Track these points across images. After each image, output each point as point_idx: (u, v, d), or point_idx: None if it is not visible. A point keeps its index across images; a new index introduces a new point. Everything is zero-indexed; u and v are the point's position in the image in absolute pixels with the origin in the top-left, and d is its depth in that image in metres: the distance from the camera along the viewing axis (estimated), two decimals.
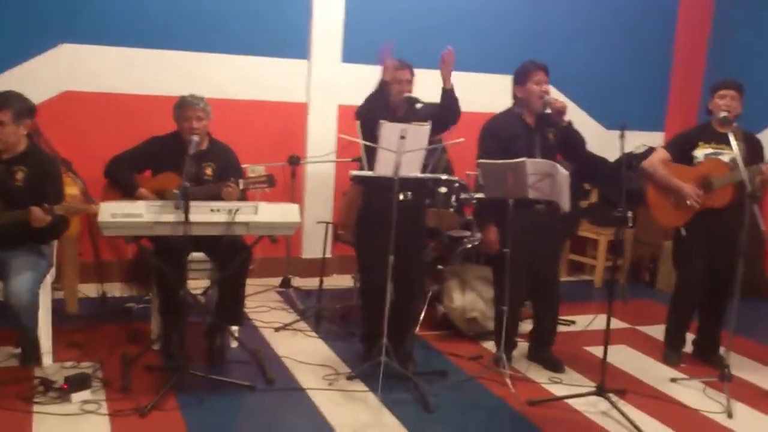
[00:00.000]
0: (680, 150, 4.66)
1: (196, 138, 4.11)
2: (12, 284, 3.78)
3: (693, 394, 4.23)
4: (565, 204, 4.05)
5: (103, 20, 5.43)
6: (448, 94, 4.15)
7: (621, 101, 7.04)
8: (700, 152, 4.59)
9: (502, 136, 4.32)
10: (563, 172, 3.95)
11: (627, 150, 4.20)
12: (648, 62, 7.34)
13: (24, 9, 5.21)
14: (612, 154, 6.65)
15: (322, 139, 6.05)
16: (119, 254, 5.31)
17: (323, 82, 6.07)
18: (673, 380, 4.41)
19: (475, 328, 4.93)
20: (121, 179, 4.40)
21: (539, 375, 4.40)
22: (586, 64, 6.96)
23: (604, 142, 6.66)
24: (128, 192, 4.35)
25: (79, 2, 5.34)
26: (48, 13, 5.28)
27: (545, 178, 4.00)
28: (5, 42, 5.19)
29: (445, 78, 4.14)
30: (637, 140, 6.90)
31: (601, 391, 3.94)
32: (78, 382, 3.68)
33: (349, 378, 4.15)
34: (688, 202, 4.50)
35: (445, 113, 4.15)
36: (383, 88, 4.16)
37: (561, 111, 4.24)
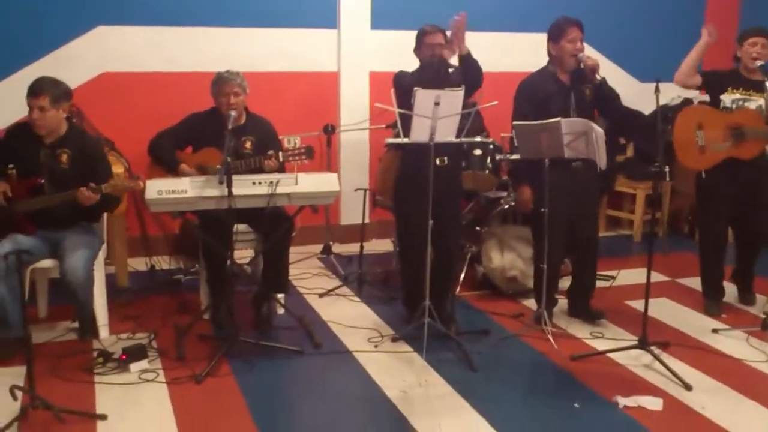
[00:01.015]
0: (712, 84, 4.67)
1: (234, 113, 4.20)
2: (67, 263, 3.94)
3: (736, 344, 4.27)
4: (602, 162, 4.07)
5: (135, 1, 5.51)
6: (466, 59, 4.18)
7: (654, 53, 6.94)
8: (728, 97, 4.61)
9: (538, 96, 4.34)
10: (598, 130, 3.97)
11: (662, 102, 4.20)
12: (680, 12, 7.22)
13: None
14: (647, 107, 6.61)
15: (355, 107, 6.11)
16: (165, 229, 5.44)
17: (353, 50, 6.11)
18: (715, 331, 4.44)
19: (515, 287, 5.00)
20: (164, 157, 4.51)
21: (581, 330, 4.47)
22: (617, 17, 6.88)
23: (638, 96, 6.61)
24: (171, 168, 4.47)
25: None
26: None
27: (580, 136, 4.02)
28: (44, 26, 5.30)
29: (459, 44, 4.15)
30: (671, 92, 6.83)
31: (643, 344, 3.99)
32: (135, 353, 3.84)
33: (394, 340, 4.26)
34: (708, 37, 4.58)
35: (467, 78, 4.18)
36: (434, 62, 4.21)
37: (593, 69, 4.25)
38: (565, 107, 4.28)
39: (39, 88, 3.97)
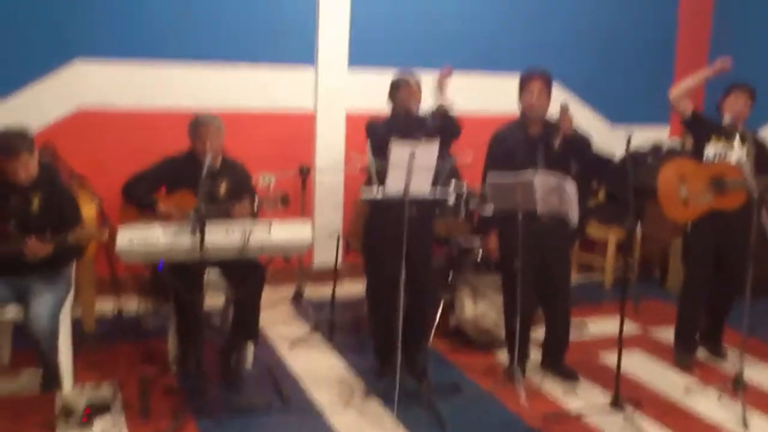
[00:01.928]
0: (699, 128, 4.72)
1: (209, 157, 4.14)
2: (32, 310, 3.85)
3: (708, 404, 4.26)
4: (574, 218, 4.07)
5: (113, 35, 5.46)
6: (446, 112, 4.21)
7: (624, 96, 7.06)
8: (711, 148, 4.66)
9: (506, 146, 4.38)
10: (571, 186, 3.97)
11: (632, 147, 4.24)
12: (651, 57, 7.35)
13: (38, 26, 5.24)
14: (617, 150, 6.69)
15: (331, 147, 6.09)
16: (134, 270, 5.34)
17: (330, 89, 6.10)
18: (688, 390, 4.44)
19: (488, 338, 4.97)
20: (140, 198, 4.43)
21: (554, 386, 4.44)
22: (590, 60, 6.97)
23: (609, 139, 6.71)
24: (147, 209, 4.40)
25: (90, 18, 5.37)
26: (61, 29, 5.31)
27: (553, 192, 4.02)
28: (20, 60, 5.23)
29: (441, 94, 4.19)
30: (642, 136, 6.92)
31: (616, 404, 3.99)
32: (99, 408, 3.76)
33: (365, 396, 4.19)
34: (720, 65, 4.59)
35: (446, 130, 4.20)
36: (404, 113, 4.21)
37: (567, 128, 4.25)
38: (531, 160, 4.28)
39: (14, 148, 3.91)
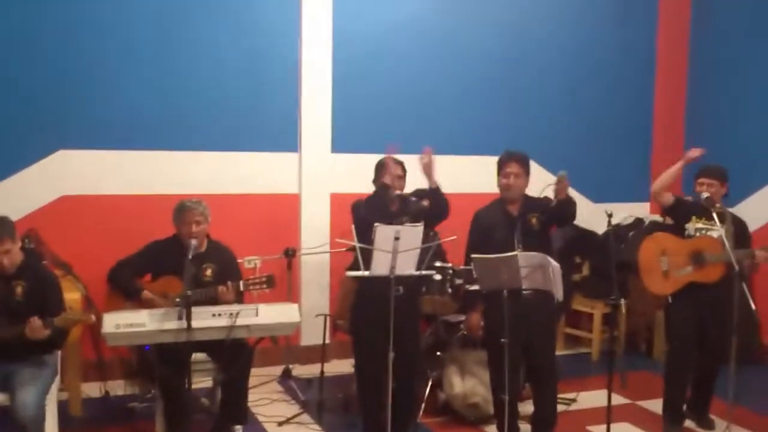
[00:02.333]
0: (680, 211, 4.84)
1: (194, 242, 4.22)
2: (18, 398, 3.84)
3: None
4: (559, 293, 4.14)
5: (96, 125, 5.57)
6: (434, 192, 4.30)
7: (606, 176, 7.22)
8: (692, 226, 4.79)
9: (484, 225, 4.52)
10: (555, 265, 4.05)
11: (614, 222, 4.36)
12: (630, 139, 7.55)
13: (23, 117, 5.36)
14: (599, 227, 6.81)
15: (316, 229, 6.16)
16: (120, 352, 5.34)
17: (314, 173, 6.21)
18: None
19: (477, 413, 4.96)
20: (124, 286, 4.47)
21: None
22: (571, 143, 7.13)
23: (591, 215, 6.81)
24: (132, 297, 4.43)
25: (73, 110, 5.49)
26: (45, 121, 5.42)
27: (537, 269, 4.09)
28: (5, 149, 5.32)
29: (428, 177, 4.31)
30: (623, 212, 7.07)
31: None
32: None
33: None
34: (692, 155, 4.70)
35: (435, 211, 4.28)
36: (383, 190, 4.30)
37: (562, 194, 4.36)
38: (508, 237, 4.38)
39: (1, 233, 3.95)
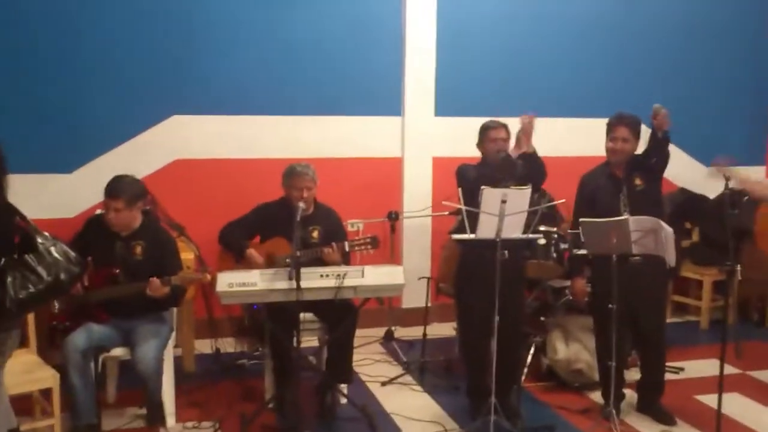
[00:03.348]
0: None
1: (302, 205, 4.29)
2: (139, 352, 4.03)
3: None
4: (671, 259, 4.04)
5: (208, 92, 5.73)
6: (532, 158, 4.22)
7: (719, 139, 6.91)
8: None
9: (589, 190, 4.44)
10: (667, 229, 3.95)
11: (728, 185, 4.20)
12: (743, 95, 7.20)
13: (139, 86, 5.57)
14: (711, 191, 6.57)
15: (418, 192, 6.18)
16: (231, 311, 5.53)
17: (417, 137, 6.21)
18: None
19: (580, 380, 4.92)
20: (233, 244, 4.63)
21: (650, 428, 4.37)
22: (677, 100, 6.83)
23: (703, 179, 6.59)
24: (239, 254, 4.58)
25: (187, 78, 5.66)
26: (160, 88, 5.62)
27: (649, 234, 4.00)
28: (123, 116, 5.55)
29: (525, 143, 4.21)
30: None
31: None
32: None
33: None
34: None
35: (531, 176, 4.22)
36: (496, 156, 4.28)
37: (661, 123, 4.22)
38: (613, 201, 4.29)
39: (116, 191, 4.11)
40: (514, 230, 3.94)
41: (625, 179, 4.36)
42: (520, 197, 3.87)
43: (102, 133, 5.50)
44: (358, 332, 4.76)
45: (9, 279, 2.96)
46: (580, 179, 4.55)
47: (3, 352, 3.13)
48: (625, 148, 4.34)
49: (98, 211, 4.51)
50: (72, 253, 3.16)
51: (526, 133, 4.18)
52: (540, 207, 4.06)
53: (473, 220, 3.95)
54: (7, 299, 2.95)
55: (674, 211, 6.65)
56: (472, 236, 3.95)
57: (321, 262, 4.39)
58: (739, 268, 4.09)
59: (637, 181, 4.36)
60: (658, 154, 4.31)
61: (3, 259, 2.97)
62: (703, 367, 5.28)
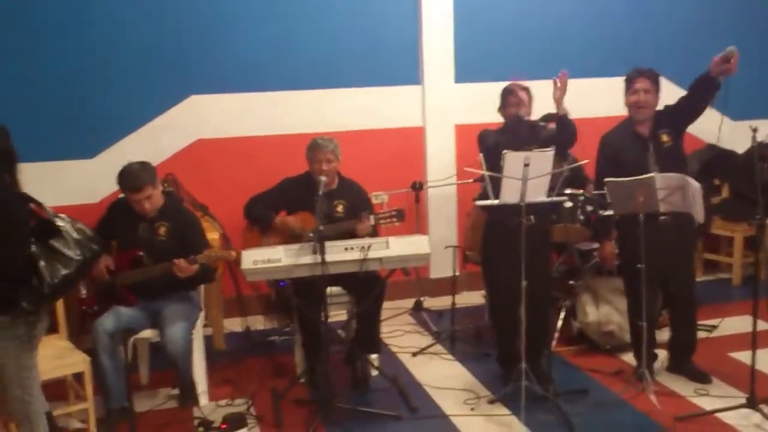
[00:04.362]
0: None
1: (324, 178, 4.28)
2: (168, 333, 4.06)
3: None
4: (700, 215, 3.97)
5: (225, 71, 5.71)
6: (563, 119, 4.14)
7: (746, 91, 6.75)
8: None
9: (613, 149, 4.35)
10: (695, 184, 3.88)
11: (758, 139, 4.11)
12: None
13: (157, 67, 5.56)
14: (740, 146, 6.44)
15: (442, 161, 6.13)
16: (258, 289, 5.55)
17: (438, 105, 6.15)
18: None
19: (612, 342, 4.88)
20: (259, 216, 4.64)
21: (684, 387, 4.32)
22: (702, 54, 6.72)
23: (731, 134, 6.44)
24: (266, 226, 4.59)
25: (203, 57, 5.65)
26: (177, 69, 5.61)
27: (676, 191, 3.93)
28: (142, 98, 5.55)
29: (558, 103, 4.11)
30: (766, 129, 6.63)
31: (752, 404, 3.84)
32: (235, 422, 3.90)
33: (491, 402, 4.21)
34: None
35: (562, 138, 4.15)
36: (515, 120, 4.23)
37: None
38: (640, 160, 4.21)
39: (138, 182, 4.11)
40: (538, 194, 3.88)
41: (651, 137, 4.28)
42: (543, 160, 3.80)
43: (122, 117, 5.51)
44: (388, 304, 4.76)
45: (42, 264, 3.00)
46: (601, 139, 4.46)
47: (36, 336, 3.17)
48: (649, 99, 4.25)
49: (121, 195, 4.52)
50: (89, 231, 3.20)
51: (560, 91, 4.08)
52: (564, 168, 4.00)
53: (496, 185, 3.90)
54: (45, 285, 2.99)
55: (702, 168, 6.55)
56: (496, 201, 3.91)
57: (347, 236, 4.37)
58: None
59: (664, 138, 4.27)
60: (709, 101, 4.25)
61: (33, 246, 3.00)
62: (737, 324, 5.20)
